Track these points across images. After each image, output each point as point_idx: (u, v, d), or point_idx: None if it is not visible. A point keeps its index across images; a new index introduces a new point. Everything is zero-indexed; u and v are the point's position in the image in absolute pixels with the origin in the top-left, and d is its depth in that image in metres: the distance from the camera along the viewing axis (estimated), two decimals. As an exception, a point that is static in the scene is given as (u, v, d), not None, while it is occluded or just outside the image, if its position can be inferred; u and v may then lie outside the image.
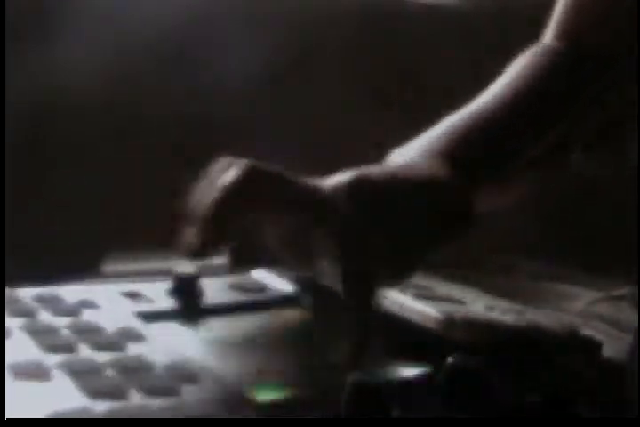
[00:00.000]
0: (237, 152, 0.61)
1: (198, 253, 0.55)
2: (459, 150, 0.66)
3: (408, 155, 0.66)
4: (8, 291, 0.59)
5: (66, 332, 0.54)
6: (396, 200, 0.60)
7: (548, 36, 0.79)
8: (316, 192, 0.58)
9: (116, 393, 0.46)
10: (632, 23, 0.75)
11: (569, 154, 0.76)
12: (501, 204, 0.72)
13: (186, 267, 0.64)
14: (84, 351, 0.51)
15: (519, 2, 0.83)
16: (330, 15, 1.16)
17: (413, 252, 0.60)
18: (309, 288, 0.65)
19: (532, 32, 0.81)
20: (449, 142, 0.66)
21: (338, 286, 0.56)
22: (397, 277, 0.60)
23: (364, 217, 0.58)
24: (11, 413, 0.43)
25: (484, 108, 0.71)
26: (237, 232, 0.57)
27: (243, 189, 0.56)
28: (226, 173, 0.57)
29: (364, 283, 0.56)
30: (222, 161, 0.59)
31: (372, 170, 0.62)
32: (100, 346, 0.52)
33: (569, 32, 0.78)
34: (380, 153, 0.69)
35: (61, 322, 0.55)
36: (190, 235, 0.55)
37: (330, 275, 0.59)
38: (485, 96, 0.73)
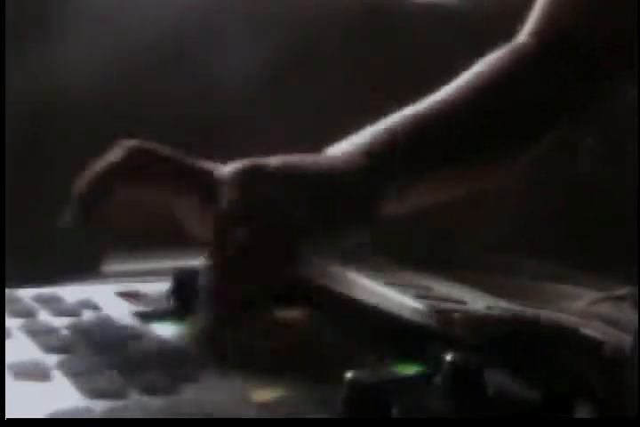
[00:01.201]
0: (237, 152, 0.61)
1: (73, 222, 0.61)
2: (379, 147, 0.67)
3: (334, 149, 0.68)
4: (8, 291, 0.59)
5: (65, 332, 0.54)
6: (292, 186, 0.61)
7: (524, 33, 0.79)
8: (207, 172, 0.61)
9: (115, 393, 0.46)
10: (608, 18, 0.75)
11: (514, 158, 0.76)
12: (435, 201, 0.72)
13: (186, 267, 0.64)
14: (84, 351, 0.51)
15: (519, 2, 0.83)
16: (330, 15, 1.16)
17: (296, 241, 0.60)
18: (308, 289, 0.65)
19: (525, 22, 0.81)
20: (371, 140, 0.68)
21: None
22: (285, 265, 0.61)
23: (248, 202, 0.59)
24: (11, 413, 0.43)
25: (429, 107, 0.71)
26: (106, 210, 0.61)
27: (118, 164, 0.60)
28: (111, 153, 0.61)
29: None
30: (116, 145, 0.62)
31: (272, 159, 0.63)
32: (100, 346, 0.52)
33: (544, 28, 0.78)
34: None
35: (61, 322, 0.55)
36: (68, 210, 0.61)
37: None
38: (440, 93, 0.73)
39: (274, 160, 0.62)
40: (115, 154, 0.61)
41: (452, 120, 0.71)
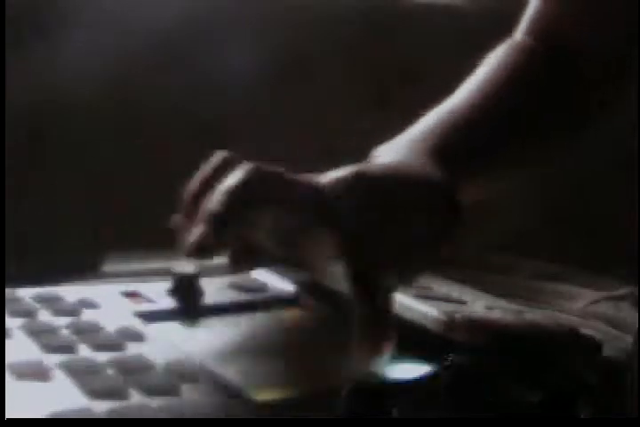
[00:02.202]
0: (237, 152, 0.61)
1: (199, 254, 0.55)
2: (443, 150, 0.66)
3: (395, 153, 0.66)
4: (8, 291, 0.59)
5: (66, 332, 0.54)
6: (396, 196, 0.60)
7: (520, 31, 0.79)
8: (316, 191, 0.58)
9: (116, 393, 0.46)
10: (604, 20, 0.75)
11: (549, 149, 0.76)
12: (480, 196, 0.72)
13: (186, 267, 0.64)
14: (84, 351, 0.51)
15: (519, 2, 0.83)
16: (330, 15, 1.16)
17: (416, 249, 0.60)
18: (309, 289, 0.65)
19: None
20: (433, 142, 0.67)
21: (344, 287, 0.56)
22: (405, 275, 0.60)
23: (363, 213, 0.58)
24: (11, 413, 0.43)
25: (461, 107, 0.71)
26: (238, 234, 0.57)
27: (246, 192, 0.56)
28: (227, 173, 0.57)
29: (372, 282, 0.56)
30: (218, 157, 0.59)
31: (370, 165, 0.62)
32: (100, 346, 0.52)
33: (540, 27, 0.78)
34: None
35: (61, 322, 0.55)
36: (192, 236, 0.55)
37: (333, 275, 0.59)
38: (460, 94, 0.73)
39: (375, 167, 0.61)
40: (235, 179, 0.56)
41: (488, 116, 0.71)
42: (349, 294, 0.55)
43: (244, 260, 0.58)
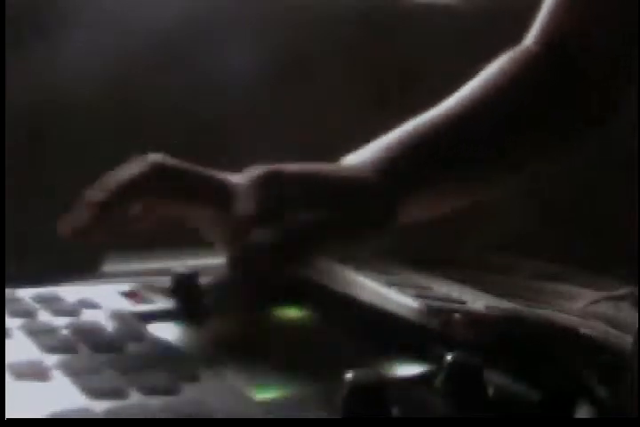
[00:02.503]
0: (237, 152, 0.61)
1: (79, 236, 0.60)
2: (392, 158, 0.67)
3: (350, 158, 0.68)
4: (8, 291, 0.59)
5: (65, 332, 0.54)
6: (309, 193, 0.62)
7: (530, 38, 0.79)
8: (221, 183, 0.61)
9: (116, 393, 0.46)
10: (613, 27, 0.75)
11: (549, 152, 0.76)
12: (446, 210, 0.73)
13: (186, 267, 0.64)
14: (84, 351, 0.51)
15: (518, 2, 0.83)
16: (330, 15, 1.16)
17: (309, 242, 0.62)
18: (308, 288, 0.65)
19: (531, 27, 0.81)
20: (387, 149, 0.68)
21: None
22: (292, 259, 0.62)
23: (268, 207, 0.60)
24: (11, 413, 0.43)
25: (441, 115, 0.72)
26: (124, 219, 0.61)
27: (137, 180, 0.60)
28: (128, 167, 0.61)
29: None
30: (135, 159, 0.62)
31: (290, 165, 0.63)
32: (100, 346, 0.52)
33: (550, 35, 0.78)
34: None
35: (61, 322, 0.55)
36: (69, 219, 0.60)
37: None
38: (450, 101, 0.73)
39: (292, 167, 0.63)
40: (133, 168, 0.61)
41: (465, 129, 0.71)
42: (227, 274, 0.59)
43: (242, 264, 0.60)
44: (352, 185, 0.64)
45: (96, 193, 0.60)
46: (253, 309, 0.60)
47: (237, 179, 0.62)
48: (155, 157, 0.62)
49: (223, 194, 0.61)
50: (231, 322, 0.60)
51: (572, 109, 0.76)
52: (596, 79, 0.76)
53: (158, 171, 0.61)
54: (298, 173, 0.63)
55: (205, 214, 0.62)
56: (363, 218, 0.63)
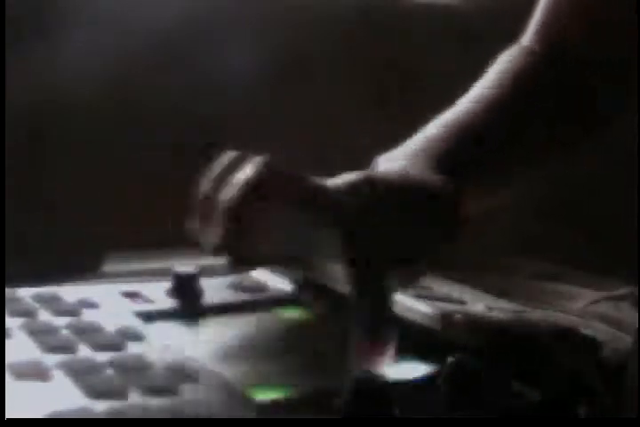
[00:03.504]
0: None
1: (221, 251, 0.55)
2: (445, 161, 0.66)
3: (397, 163, 0.66)
4: (8, 291, 0.59)
5: (66, 332, 0.54)
6: (402, 202, 0.61)
7: (527, 37, 0.79)
8: (326, 192, 0.59)
9: (116, 393, 0.46)
10: (611, 26, 0.75)
11: (554, 156, 0.76)
12: (489, 205, 0.72)
13: (186, 267, 0.64)
14: (84, 351, 0.51)
15: (518, 2, 0.83)
16: (330, 15, 1.16)
17: (419, 252, 0.61)
18: (309, 288, 0.65)
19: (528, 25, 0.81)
20: (435, 152, 0.67)
21: (344, 287, 0.57)
22: (405, 277, 0.61)
23: (368, 217, 0.58)
24: (11, 413, 0.43)
25: (465, 116, 0.71)
26: (253, 228, 0.57)
27: (260, 187, 0.56)
28: (239, 169, 0.57)
29: (377, 284, 0.56)
30: (229, 155, 0.59)
31: (379, 172, 0.63)
32: (100, 346, 0.52)
33: (547, 34, 0.78)
34: (380, 153, 0.69)
35: (61, 322, 0.55)
36: (210, 233, 0.55)
37: (333, 275, 0.59)
38: (466, 102, 0.73)
39: (382, 174, 0.62)
40: (248, 174, 0.57)
41: (493, 124, 0.71)
42: (349, 295, 0.55)
43: (244, 260, 0.58)
44: (432, 191, 0.63)
45: (222, 203, 0.56)
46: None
47: (335, 185, 0.60)
48: (265, 159, 0.58)
49: (333, 201, 0.58)
50: (231, 322, 0.60)
51: (578, 109, 0.75)
52: (598, 77, 0.76)
53: (275, 171, 0.57)
54: (388, 181, 0.61)
55: (306, 223, 0.58)
56: (441, 222, 0.62)
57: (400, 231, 0.60)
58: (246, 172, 0.57)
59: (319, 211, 0.58)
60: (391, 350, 0.52)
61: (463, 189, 0.65)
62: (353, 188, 0.59)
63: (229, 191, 0.56)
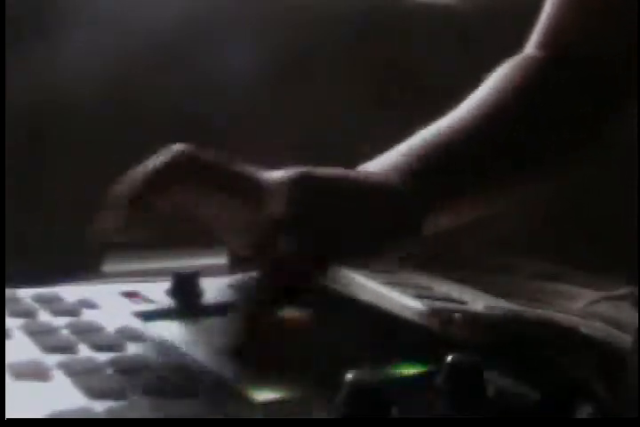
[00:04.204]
0: (237, 152, 0.61)
1: (110, 236, 0.58)
2: (418, 167, 0.67)
3: (370, 166, 0.67)
4: (8, 291, 0.59)
5: (65, 332, 0.54)
6: (339, 199, 0.61)
7: (531, 44, 0.79)
8: (255, 180, 0.60)
9: (116, 393, 0.46)
10: (616, 31, 0.75)
11: (547, 168, 0.76)
12: (466, 219, 0.73)
13: (186, 267, 0.64)
14: (84, 351, 0.51)
15: (519, 2, 0.83)
16: (330, 15, 1.16)
17: (347, 249, 0.61)
18: (310, 289, 0.65)
19: (531, 32, 0.81)
20: (411, 158, 0.67)
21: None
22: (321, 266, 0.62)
23: (304, 210, 0.59)
24: (11, 413, 0.43)
25: (457, 124, 0.71)
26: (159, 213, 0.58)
27: (170, 171, 0.57)
28: (159, 156, 0.59)
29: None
30: (165, 149, 0.60)
31: (320, 169, 0.62)
32: (100, 346, 0.52)
33: (551, 41, 0.78)
34: (380, 153, 0.69)
35: (61, 322, 0.55)
36: (105, 218, 0.58)
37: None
38: (461, 110, 0.73)
39: (323, 170, 0.62)
40: (163, 158, 0.59)
41: (483, 137, 0.71)
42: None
43: (243, 260, 0.59)
44: (381, 192, 0.63)
45: (126, 185, 0.58)
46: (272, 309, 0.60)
47: (269, 177, 0.60)
48: (185, 147, 0.59)
49: (257, 191, 0.59)
50: (231, 322, 0.60)
51: (582, 113, 0.75)
52: (603, 81, 0.76)
53: (191, 159, 0.59)
54: (328, 177, 0.62)
55: (233, 211, 0.59)
56: (390, 226, 0.62)
57: (328, 225, 0.60)
58: (157, 158, 0.58)
59: (235, 195, 0.58)
60: None
61: (435, 203, 0.65)
62: (289, 180, 0.60)
63: (134, 177, 0.58)
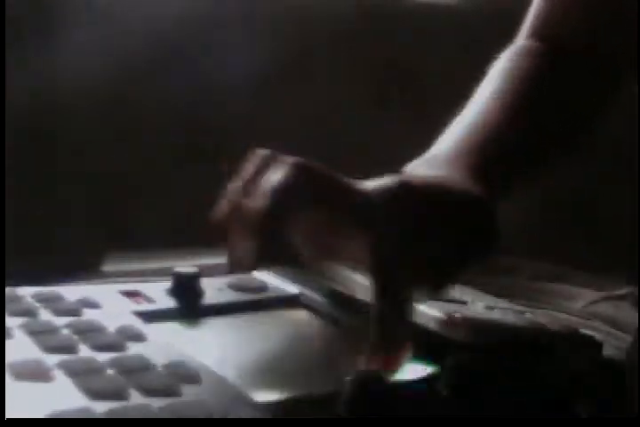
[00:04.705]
0: (237, 152, 0.61)
1: (255, 265, 0.54)
2: (480, 167, 0.64)
3: (431, 169, 0.64)
4: (8, 290, 0.59)
5: (66, 332, 0.54)
6: (438, 208, 0.58)
7: (523, 34, 0.79)
8: (361, 195, 0.56)
9: (116, 393, 0.46)
10: (608, 17, 0.75)
11: (560, 154, 0.76)
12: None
13: (186, 267, 0.64)
14: (84, 351, 0.51)
15: (518, 2, 0.83)
16: (330, 15, 1.16)
17: (449, 265, 0.58)
18: (311, 289, 0.65)
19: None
20: (469, 158, 0.65)
21: (365, 293, 0.55)
22: (433, 290, 0.58)
23: (403, 223, 0.56)
24: (11, 413, 0.43)
25: (486, 121, 0.70)
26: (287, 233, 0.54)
27: (294, 189, 0.53)
28: (271, 171, 0.54)
29: (399, 295, 0.54)
30: (260, 155, 0.56)
31: (415, 176, 0.60)
32: (100, 346, 0.52)
33: (545, 29, 0.77)
34: (380, 153, 0.69)
35: (61, 322, 0.55)
36: (242, 246, 0.53)
37: (359, 280, 0.58)
38: (479, 106, 0.72)
39: (418, 179, 0.59)
40: (281, 177, 0.53)
41: (518, 124, 0.70)
42: (372, 301, 0.53)
43: (266, 257, 0.56)
44: (469, 198, 0.60)
45: (249, 212, 0.53)
46: None
47: (369, 188, 0.56)
48: (295, 159, 0.55)
49: (366, 205, 0.55)
50: (231, 322, 0.60)
51: (584, 101, 0.75)
52: (599, 71, 0.75)
53: (307, 174, 0.54)
54: (424, 185, 0.58)
55: (341, 225, 0.55)
56: (483, 234, 0.60)
57: (434, 239, 0.57)
58: (279, 174, 0.54)
59: (350, 214, 0.55)
60: (406, 354, 0.51)
61: (498, 198, 0.63)
62: (388, 191, 0.56)
63: (260, 195, 0.53)
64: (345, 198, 0.55)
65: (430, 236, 0.57)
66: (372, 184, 0.57)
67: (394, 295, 0.53)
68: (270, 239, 0.53)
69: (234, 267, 0.56)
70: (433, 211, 0.57)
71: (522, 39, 0.79)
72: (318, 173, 0.55)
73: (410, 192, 0.57)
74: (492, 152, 0.66)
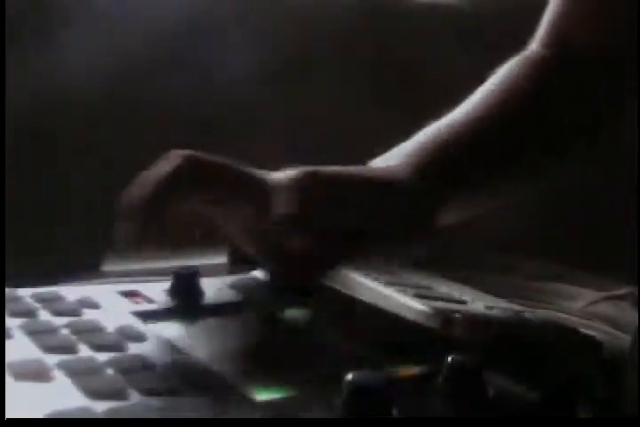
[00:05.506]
0: (237, 152, 0.61)
1: (130, 247, 0.57)
2: (427, 161, 0.66)
3: (386, 160, 0.67)
4: (8, 291, 0.59)
5: (65, 332, 0.54)
6: (346, 196, 0.61)
7: (536, 43, 0.79)
8: (262, 181, 0.59)
9: (115, 393, 0.46)
10: (622, 28, 0.75)
11: (564, 161, 0.76)
12: (475, 212, 0.72)
13: (186, 267, 0.64)
14: (84, 351, 0.51)
15: (519, 2, 0.83)
16: (330, 15, 1.16)
17: (370, 240, 0.61)
18: (310, 289, 0.65)
19: (532, 32, 0.81)
20: (420, 152, 0.67)
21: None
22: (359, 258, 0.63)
23: (313, 210, 0.59)
24: (11, 413, 0.43)
25: (462, 122, 0.71)
26: (178, 222, 0.58)
27: (176, 179, 0.57)
28: (162, 164, 0.58)
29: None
30: (166, 156, 0.59)
31: (325, 168, 0.62)
32: (100, 346, 0.52)
33: (557, 39, 0.78)
34: (380, 153, 0.69)
35: (61, 322, 0.55)
36: (122, 230, 0.56)
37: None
38: (466, 107, 0.73)
39: (329, 169, 0.62)
40: (167, 165, 0.57)
41: (488, 131, 0.71)
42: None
43: (244, 259, 0.59)
44: (390, 187, 0.63)
45: (135, 195, 0.57)
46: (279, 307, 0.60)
47: (275, 177, 0.60)
48: (186, 152, 0.58)
49: (264, 192, 0.59)
50: (231, 322, 0.60)
51: (586, 111, 0.75)
52: (607, 80, 0.75)
53: (195, 164, 0.58)
54: (335, 175, 0.62)
55: (241, 212, 0.59)
56: (401, 221, 0.62)
57: (349, 220, 0.60)
58: (165, 165, 0.57)
59: (243, 198, 0.58)
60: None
61: (446, 197, 0.65)
62: (294, 181, 0.59)
63: (145, 187, 0.57)
64: (238, 184, 0.58)
65: (337, 220, 0.60)
66: (277, 174, 0.60)
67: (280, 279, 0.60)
68: (151, 223, 0.56)
69: (231, 267, 0.58)
70: (339, 198, 0.61)
71: (533, 47, 0.79)
72: (207, 161, 0.58)
73: (315, 181, 0.60)
74: (453, 154, 0.68)
